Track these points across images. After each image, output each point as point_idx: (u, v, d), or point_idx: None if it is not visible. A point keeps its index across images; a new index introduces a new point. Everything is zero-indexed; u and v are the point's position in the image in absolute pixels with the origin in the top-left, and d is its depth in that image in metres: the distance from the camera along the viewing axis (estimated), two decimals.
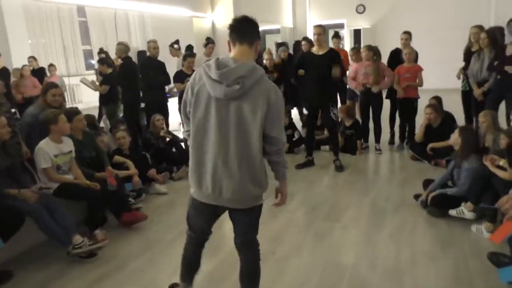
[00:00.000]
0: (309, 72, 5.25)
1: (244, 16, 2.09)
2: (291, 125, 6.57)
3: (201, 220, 2.28)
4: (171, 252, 3.36)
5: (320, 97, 5.20)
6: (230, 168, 2.01)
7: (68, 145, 3.74)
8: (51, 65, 8.07)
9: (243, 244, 2.25)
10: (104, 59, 7.00)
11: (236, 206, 2.12)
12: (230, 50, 2.11)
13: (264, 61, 7.10)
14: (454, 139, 3.86)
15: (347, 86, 6.86)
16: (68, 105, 8.16)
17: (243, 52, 2.04)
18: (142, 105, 6.35)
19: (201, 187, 2.10)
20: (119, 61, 6.58)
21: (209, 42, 6.98)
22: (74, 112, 4.13)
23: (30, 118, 4.03)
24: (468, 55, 5.73)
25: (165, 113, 6.09)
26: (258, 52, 2.11)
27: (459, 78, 6.10)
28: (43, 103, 4.03)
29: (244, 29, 2.05)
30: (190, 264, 2.40)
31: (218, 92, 1.96)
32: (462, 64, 5.94)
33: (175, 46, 7.09)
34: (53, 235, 3.23)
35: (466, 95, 5.87)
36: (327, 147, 6.30)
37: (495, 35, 5.37)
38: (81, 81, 7.00)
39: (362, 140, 6.20)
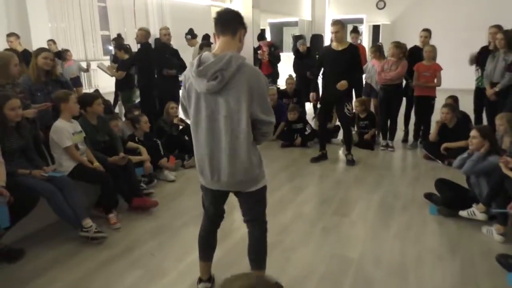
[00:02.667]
0: (328, 68, 5.21)
1: (226, 8, 2.22)
2: (302, 119, 6.57)
3: (210, 203, 2.43)
4: (179, 238, 3.42)
5: (337, 93, 5.13)
6: (223, 156, 2.13)
7: (77, 124, 3.79)
8: (66, 50, 8.14)
9: (248, 222, 2.42)
10: (122, 45, 7.05)
11: (234, 189, 2.28)
12: (215, 42, 2.21)
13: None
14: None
15: (364, 82, 6.81)
16: (85, 89, 8.32)
17: (226, 42, 2.12)
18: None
19: (203, 174, 2.26)
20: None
21: None
22: (94, 96, 4.23)
23: (23, 83, 4.00)
24: (483, 52, 5.69)
25: (178, 102, 6.13)
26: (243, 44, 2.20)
27: (471, 64, 6.03)
28: (34, 66, 4.01)
29: (226, 20, 2.13)
30: (206, 241, 2.54)
31: (201, 87, 2.06)
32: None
33: (187, 36, 7.13)
34: (64, 216, 3.29)
35: (480, 92, 5.80)
36: (337, 139, 6.32)
37: None
38: (98, 66, 7.09)
39: (381, 136, 6.21)
